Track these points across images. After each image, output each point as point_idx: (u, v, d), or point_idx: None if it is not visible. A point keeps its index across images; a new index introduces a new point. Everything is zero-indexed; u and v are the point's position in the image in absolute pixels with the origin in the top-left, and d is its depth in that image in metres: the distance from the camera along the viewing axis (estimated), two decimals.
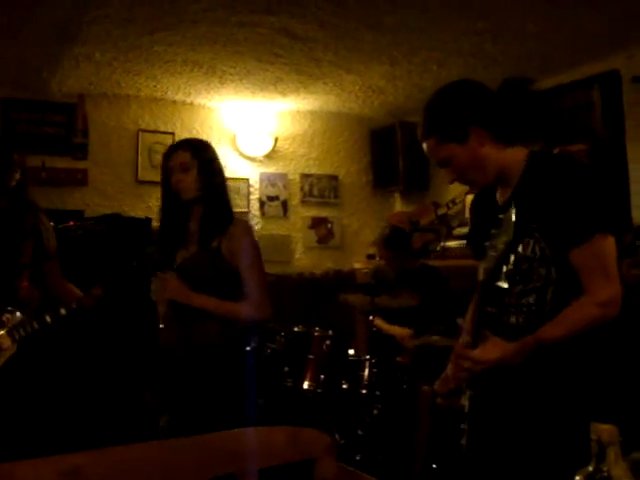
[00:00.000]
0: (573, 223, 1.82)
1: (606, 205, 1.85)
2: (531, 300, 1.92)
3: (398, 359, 4.14)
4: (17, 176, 2.98)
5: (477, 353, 1.87)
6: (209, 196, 2.76)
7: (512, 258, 1.93)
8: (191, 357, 2.71)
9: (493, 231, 1.89)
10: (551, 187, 1.87)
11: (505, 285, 1.96)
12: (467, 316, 2.12)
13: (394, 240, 4.58)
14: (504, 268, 1.96)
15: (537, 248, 1.89)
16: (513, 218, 1.80)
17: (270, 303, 2.78)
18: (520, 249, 1.92)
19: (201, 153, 2.79)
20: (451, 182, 2.07)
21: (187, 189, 2.74)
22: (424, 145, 2.06)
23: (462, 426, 1.98)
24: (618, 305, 1.81)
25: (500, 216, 1.88)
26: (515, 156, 1.98)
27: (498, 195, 2.08)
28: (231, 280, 2.73)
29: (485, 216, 2.13)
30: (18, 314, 2.89)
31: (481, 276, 1.91)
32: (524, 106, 1.97)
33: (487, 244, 1.90)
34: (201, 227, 2.77)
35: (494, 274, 1.92)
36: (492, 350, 1.86)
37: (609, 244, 1.82)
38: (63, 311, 2.93)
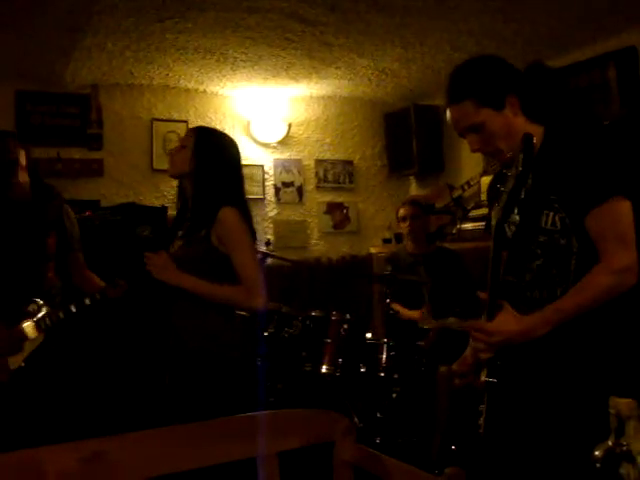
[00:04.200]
0: (588, 186, 1.81)
1: (623, 170, 1.83)
2: (554, 272, 1.91)
3: (420, 343, 4.14)
4: (20, 160, 3.00)
5: (491, 325, 1.84)
6: (198, 178, 2.70)
7: (523, 195, 1.87)
8: (174, 338, 2.72)
9: (500, 187, 1.88)
10: (568, 155, 1.87)
11: (516, 218, 1.94)
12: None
13: (419, 201, 4.71)
14: (515, 211, 1.95)
15: (557, 219, 1.88)
16: (521, 157, 1.78)
17: (264, 291, 2.63)
18: (540, 222, 1.91)
19: (202, 135, 2.77)
20: (474, 151, 2.03)
21: (175, 164, 2.75)
22: (454, 109, 2.01)
23: (480, 407, 1.98)
24: (635, 273, 1.78)
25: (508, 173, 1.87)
26: (536, 133, 1.96)
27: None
28: (223, 267, 2.64)
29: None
30: (44, 304, 2.94)
31: (494, 220, 1.89)
32: (552, 87, 1.98)
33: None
34: (190, 215, 2.73)
35: (506, 213, 1.88)
36: (507, 322, 1.83)
37: (625, 209, 1.80)
38: (87, 301, 2.96)
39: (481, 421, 1.94)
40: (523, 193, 1.84)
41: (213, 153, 2.73)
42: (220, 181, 2.70)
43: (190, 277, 2.61)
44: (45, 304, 2.94)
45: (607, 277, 1.78)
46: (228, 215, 2.62)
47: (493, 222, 1.90)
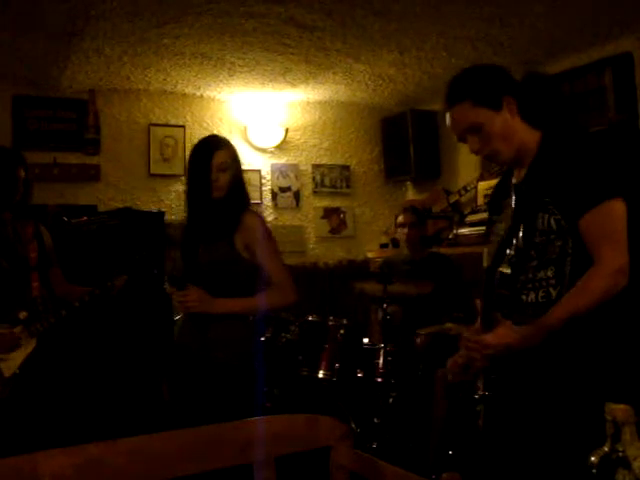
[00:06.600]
0: (581, 190, 1.83)
1: (616, 173, 1.85)
2: (549, 274, 1.91)
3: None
4: (21, 190, 3.07)
5: (487, 338, 1.87)
6: (233, 195, 2.78)
7: (515, 242, 1.93)
8: (206, 352, 2.71)
9: (494, 217, 1.91)
10: (562, 159, 1.89)
11: (508, 270, 1.96)
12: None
13: (417, 209, 4.73)
14: (507, 252, 1.96)
15: (552, 221, 1.89)
16: (513, 204, 1.81)
17: (295, 288, 2.80)
18: (535, 223, 1.92)
19: (236, 155, 2.85)
20: (474, 152, 2.05)
21: (221, 188, 2.75)
22: (452, 111, 2.05)
23: (477, 408, 1.99)
24: (626, 274, 1.79)
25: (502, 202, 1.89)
26: (533, 137, 2.01)
27: (513, 179, 2.09)
28: (246, 272, 2.73)
29: (498, 208, 2.14)
30: (33, 311, 2.95)
31: (485, 262, 1.92)
32: (548, 93, 2.00)
33: (489, 229, 1.91)
34: (219, 223, 2.77)
35: (498, 259, 1.92)
36: (504, 336, 1.86)
37: (618, 211, 1.82)
38: (63, 312, 3.02)
39: (480, 422, 1.95)
40: (513, 249, 1.91)
41: (240, 169, 2.86)
42: (243, 189, 2.83)
43: (223, 303, 2.68)
44: (34, 310, 2.95)
45: (601, 281, 1.80)
46: (254, 221, 2.76)
47: (484, 264, 1.92)
